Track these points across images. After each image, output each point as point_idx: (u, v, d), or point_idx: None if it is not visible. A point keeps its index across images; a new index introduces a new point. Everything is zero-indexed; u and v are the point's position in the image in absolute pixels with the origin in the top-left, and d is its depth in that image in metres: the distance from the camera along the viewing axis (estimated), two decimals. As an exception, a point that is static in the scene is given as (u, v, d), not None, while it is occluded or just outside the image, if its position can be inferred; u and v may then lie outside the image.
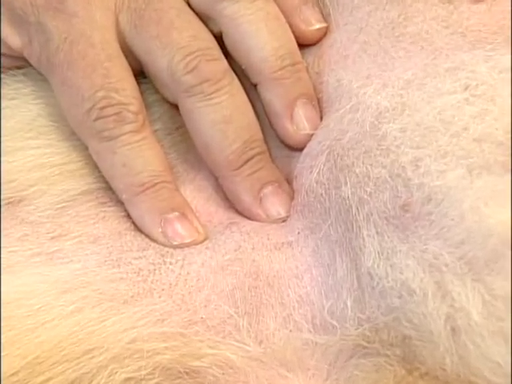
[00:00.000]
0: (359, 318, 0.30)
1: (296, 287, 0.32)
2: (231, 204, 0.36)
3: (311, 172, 0.33)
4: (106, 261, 0.33)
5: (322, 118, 0.36)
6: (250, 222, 0.35)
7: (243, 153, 0.35)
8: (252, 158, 0.35)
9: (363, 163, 0.31)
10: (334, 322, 0.31)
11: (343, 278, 0.31)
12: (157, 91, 0.37)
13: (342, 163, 0.31)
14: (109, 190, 0.35)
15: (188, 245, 0.34)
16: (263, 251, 0.33)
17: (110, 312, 0.31)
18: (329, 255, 0.32)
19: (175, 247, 0.34)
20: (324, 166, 0.32)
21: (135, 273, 0.33)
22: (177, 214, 0.35)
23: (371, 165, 0.30)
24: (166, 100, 0.37)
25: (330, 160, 0.32)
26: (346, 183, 0.31)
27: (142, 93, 0.36)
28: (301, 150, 0.36)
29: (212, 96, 0.34)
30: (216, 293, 0.32)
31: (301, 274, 0.32)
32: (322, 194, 0.32)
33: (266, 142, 0.36)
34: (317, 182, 0.33)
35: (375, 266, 0.30)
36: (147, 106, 0.36)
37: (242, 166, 0.35)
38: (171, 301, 0.32)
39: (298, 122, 0.35)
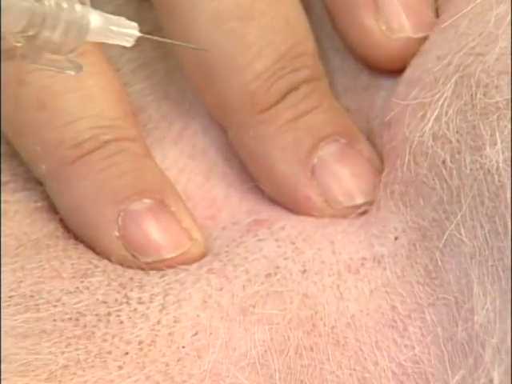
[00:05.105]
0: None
1: (392, 347, 0.25)
2: (255, 182, 0.29)
3: (423, 117, 0.27)
4: (11, 296, 0.27)
5: (438, 12, 0.28)
6: (295, 217, 0.28)
7: (278, 78, 0.28)
8: (296, 88, 0.28)
9: None
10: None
11: (486, 327, 0.24)
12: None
13: (487, 102, 0.25)
14: (13, 159, 0.30)
15: (172, 263, 0.27)
16: (325, 276, 0.27)
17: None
18: (458, 282, 0.26)
19: (148, 268, 0.27)
20: (450, 105, 0.26)
21: (70, 320, 0.26)
22: (149, 202, 0.27)
23: None
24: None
25: (463, 94, 0.26)
26: (493, 142, 0.25)
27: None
28: (396, 72, 0.28)
29: None
30: (231, 359, 0.25)
31: (402, 320, 0.26)
32: (444, 162, 0.26)
33: (322, 59, 0.29)
34: (435, 138, 0.26)
35: (549, 304, 0.24)
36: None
37: (276, 103, 0.28)
38: (142, 375, 0.25)
39: (390, 15, 0.28)
